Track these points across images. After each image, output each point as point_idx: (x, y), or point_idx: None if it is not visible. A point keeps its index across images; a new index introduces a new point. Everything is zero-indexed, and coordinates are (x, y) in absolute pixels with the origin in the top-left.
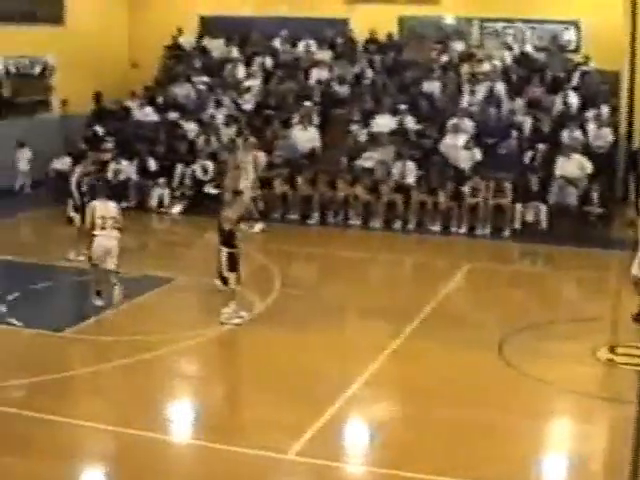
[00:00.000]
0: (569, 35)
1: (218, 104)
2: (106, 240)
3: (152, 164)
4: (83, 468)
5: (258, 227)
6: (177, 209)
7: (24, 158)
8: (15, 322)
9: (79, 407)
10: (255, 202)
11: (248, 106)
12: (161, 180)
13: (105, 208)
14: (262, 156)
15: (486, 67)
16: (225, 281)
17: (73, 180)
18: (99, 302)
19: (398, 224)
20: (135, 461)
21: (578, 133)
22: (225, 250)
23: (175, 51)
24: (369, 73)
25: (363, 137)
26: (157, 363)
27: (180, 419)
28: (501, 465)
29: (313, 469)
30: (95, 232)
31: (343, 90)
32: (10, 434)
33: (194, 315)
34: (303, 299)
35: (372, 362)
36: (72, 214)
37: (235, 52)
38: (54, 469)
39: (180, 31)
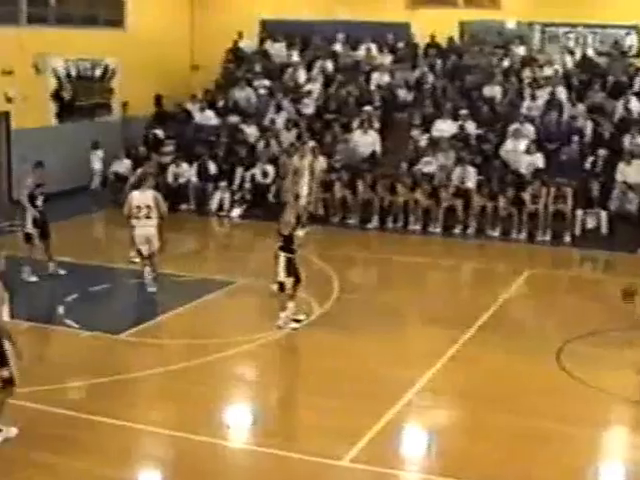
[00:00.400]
0: (630, 40)
1: (278, 108)
2: (143, 229)
3: (212, 167)
4: (137, 472)
5: (301, 232)
6: (237, 213)
7: (99, 159)
8: (73, 324)
9: (135, 410)
10: (310, 207)
11: (308, 110)
12: (221, 184)
13: (141, 197)
14: (322, 160)
15: (547, 72)
16: (282, 286)
17: (129, 183)
18: (152, 289)
19: (458, 229)
20: (190, 465)
21: None
22: (283, 255)
23: (236, 55)
24: (430, 77)
25: (423, 142)
26: (215, 367)
27: (236, 423)
28: (558, 475)
29: (369, 476)
30: (132, 222)
31: (404, 94)
32: (66, 436)
33: (253, 319)
34: (361, 304)
35: (429, 368)
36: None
37: (296, 56)
38: (108, 472)
39: (240, 35)
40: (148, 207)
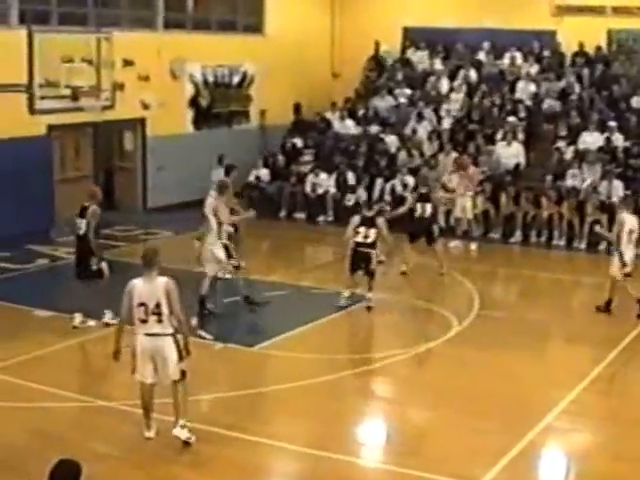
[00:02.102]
0: None
1: (420, 118)
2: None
3: (351, 178)
4: None
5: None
6: None
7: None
8: (206, 335)
9: (268, 425)
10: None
11: (451, 120)
12: (361, 195)
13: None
14: (476, 171)
15: None
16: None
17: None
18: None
19: (603, 246)
20: None
21: None
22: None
23: (377, 63)
24: (576, 87)
25: (569, 154)
26: (349, 383)
27: (371, 441)
28: None
29: None
30: None
31: (549, 105)
32: (195, 450)
33: (389, 335)
34: (501, 321)
35: (573, 389)
36: None
37: (438, 64)
38: None
39: (377, 44)
40: None
